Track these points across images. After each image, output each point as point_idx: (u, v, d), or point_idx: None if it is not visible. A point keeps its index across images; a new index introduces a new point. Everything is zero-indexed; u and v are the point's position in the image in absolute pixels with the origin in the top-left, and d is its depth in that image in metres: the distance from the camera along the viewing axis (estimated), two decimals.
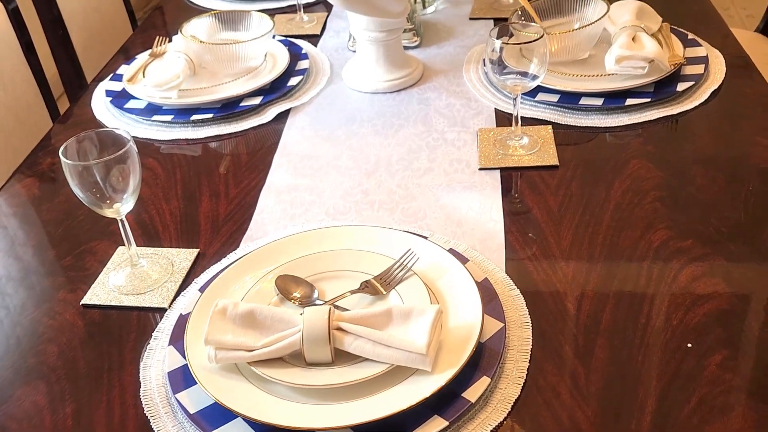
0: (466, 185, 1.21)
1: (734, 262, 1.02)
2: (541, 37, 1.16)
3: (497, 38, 1.17)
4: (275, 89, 1.49)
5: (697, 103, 1.35)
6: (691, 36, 1.52)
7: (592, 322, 0.94)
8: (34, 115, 1.72)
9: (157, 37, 1.63)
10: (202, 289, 1.00)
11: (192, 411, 0.85)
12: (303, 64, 1.56)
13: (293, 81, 1.51)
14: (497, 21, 1.73)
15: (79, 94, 1.60)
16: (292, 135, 1.38)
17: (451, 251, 1.03)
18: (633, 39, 1.39)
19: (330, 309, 0.88)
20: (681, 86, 1.37)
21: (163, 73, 1.47)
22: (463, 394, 0.84)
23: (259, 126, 1.42)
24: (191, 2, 1.96)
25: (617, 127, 1.32)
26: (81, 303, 1.05)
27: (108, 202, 1.00)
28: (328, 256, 1.03)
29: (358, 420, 0.81)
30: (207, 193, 1.25)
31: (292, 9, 1.86)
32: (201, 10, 1.83)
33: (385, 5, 1.39)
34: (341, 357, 0.88)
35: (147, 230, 1.18)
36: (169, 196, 1.25)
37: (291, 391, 0.86)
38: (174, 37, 1.57)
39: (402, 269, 0.99)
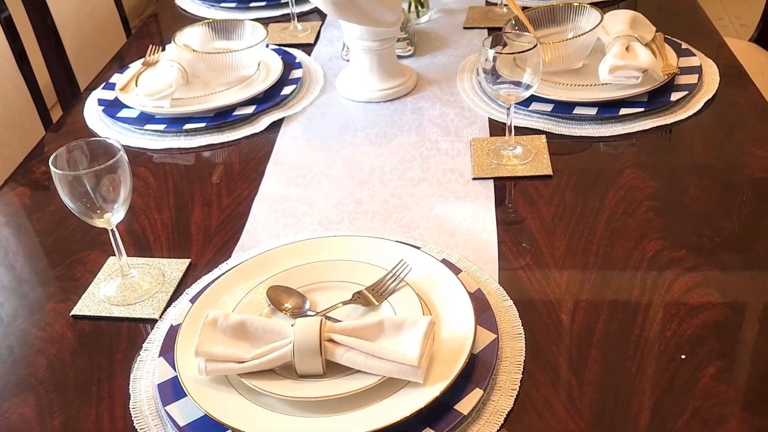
0: (459, 195, 1.21)
1: (728, 273, 1.02)
2: (535, 46, 1.16)
3: (491, 48, 1.17)
4: (268, 98, 1.48)
5: (690, 112, 1.35)
6: (684, 46, 1.52)
7: (585, 333, 0.94)
8: (27, 123, 1.71)
9: (150, 46, 1.62)
10: (193, 300, 1.00)
11: (182, 423, 0.84)
12: (296, 73, 1.56)
13: (287, 90, 1.51)
14: (491, 30, 1.73)
15: (71, 103, 1.60)
16: (285, 144, 1.38)
17: (444, 261, 1.02)
18: (627, 49, 1.39)
19: (321, 320, 0.87)
20: (675, 96, 1.37)
21: (155, 82, 1.46)
22: (456, 406, 0.84)
23: (252, 135, 1.41)
24: (185, 11, 1.95)
25: (611, 136, 1.32)
26: (71, 314, 1.04)
27: (98, 212, 0.99)
28: (320, 267, 1.03)
29: None
30: (199, 203, 1.24)
31: (285, 18, 1.86)
32: (195, 19, 1.83)
33: (378, 15, 1.38)
34: (333, 369, 0.87)
35: (138, 240, 1.17)
36: (161, 206, 1.24)
37: (282, 403, 0.85)
38: (167, 46, 1.57)
39: (394, 280, 0.98)
